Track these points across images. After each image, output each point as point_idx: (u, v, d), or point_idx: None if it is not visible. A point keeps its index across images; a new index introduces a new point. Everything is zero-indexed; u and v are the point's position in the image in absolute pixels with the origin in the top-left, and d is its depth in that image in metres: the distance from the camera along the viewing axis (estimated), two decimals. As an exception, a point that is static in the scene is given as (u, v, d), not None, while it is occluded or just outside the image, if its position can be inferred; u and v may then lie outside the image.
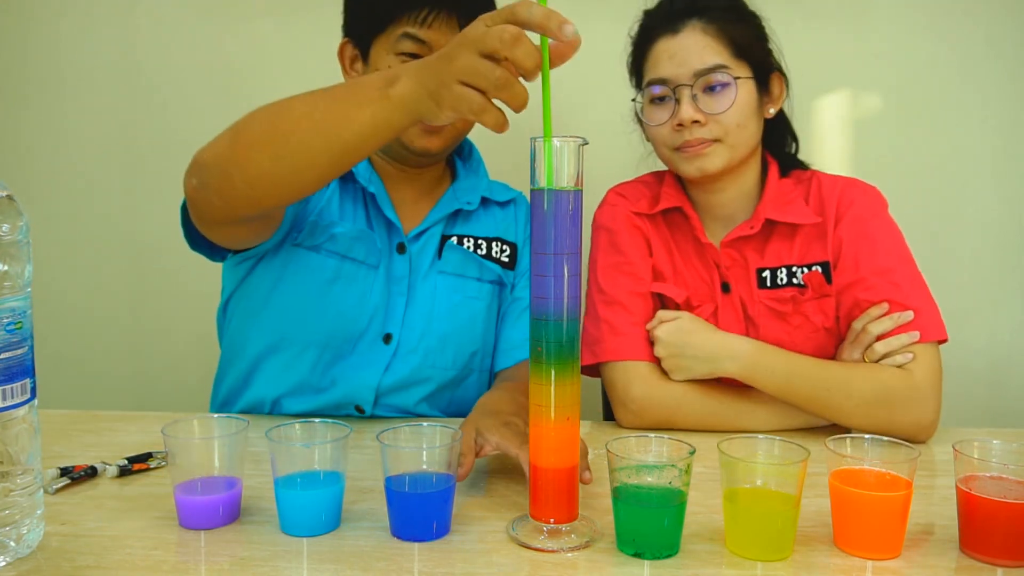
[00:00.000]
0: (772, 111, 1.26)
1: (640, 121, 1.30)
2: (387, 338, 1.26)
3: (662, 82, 1.21)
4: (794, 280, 1.25)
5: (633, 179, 1.39)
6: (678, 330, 1.20)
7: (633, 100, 1.29)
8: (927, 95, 1.75)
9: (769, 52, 1.26)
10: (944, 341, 1.19)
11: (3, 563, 0.78)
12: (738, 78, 1.19)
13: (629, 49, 1.29)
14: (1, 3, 1.82)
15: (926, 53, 1.74)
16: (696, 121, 1.19)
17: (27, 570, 0.78)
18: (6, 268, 0.77)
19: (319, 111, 0.90)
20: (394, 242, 1.28)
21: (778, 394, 1.17)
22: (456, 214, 1.33)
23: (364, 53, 1.23)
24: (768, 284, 1.25)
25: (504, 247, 1.35)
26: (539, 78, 0.80)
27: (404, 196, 1.32)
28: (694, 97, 1.19)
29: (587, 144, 0.82)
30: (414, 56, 1.17)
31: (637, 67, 1.27)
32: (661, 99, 1.22)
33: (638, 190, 1.35)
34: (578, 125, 1.76)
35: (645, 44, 1.25)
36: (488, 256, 1.33)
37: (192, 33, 1.80)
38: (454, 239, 1.31)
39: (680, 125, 1.20)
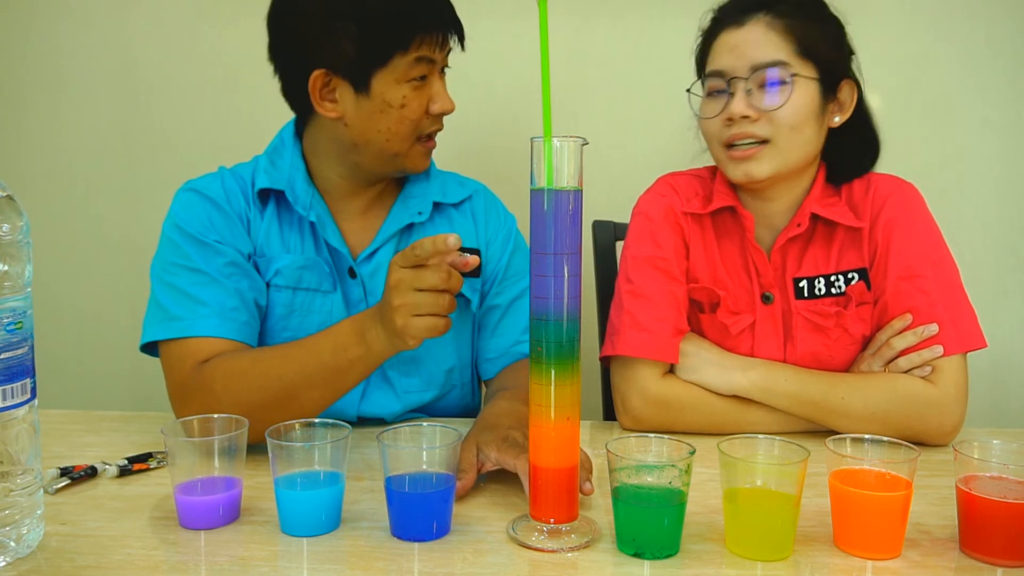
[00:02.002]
0: (838, 120, 1.19)
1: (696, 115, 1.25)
2: None
3: (719, 74, 1.17)
4: (832, 290, 1.22)
5: (686, 171, 1.33)
6: (700, 337, 1.23)
7: (687, 90, 1.23)
8: (927, 95, 1.75)
9: (843, 57, 1.19)
10: (979, 348, 1.15)
11: (3, 563, 0.78)
12: (797, 75, 1.13)
13: (698, 43, 1.25)
14: (0, 4, 1.83)
15: (926, 53, 1.74)
16: (747, 116, 1.14)
17: (27, 570, 0.78)
18: (6, 268, 0.77)
19: (318, 388, 1.05)
20: (344, 267, 1.23)
21: (791, 407, 1.15)
22: (409, 227, 1.27)
23: (361, 85, 1.14)
24: (806, 294, 1.22)
25: (465, 255, 1.30)
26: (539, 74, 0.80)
27: (351, 209, 1.26)
28: (748, 92, 1.15)
29: (587, 144, 0.82)
30: (421, 80, 1.15)
31: (701, 61, 1.23)
32: (717, 92, 1.18)
33: (691, 186, 1.29)
34: (578, 124, 1.76)
35: (711, 37, 1.21)
36: None
37: (190, 33, 1.80)
38: None
39: (730, 119, 1.16)
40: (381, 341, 1.02)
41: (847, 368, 1.23)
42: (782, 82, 1.14)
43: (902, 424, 1.12)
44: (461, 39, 1.20)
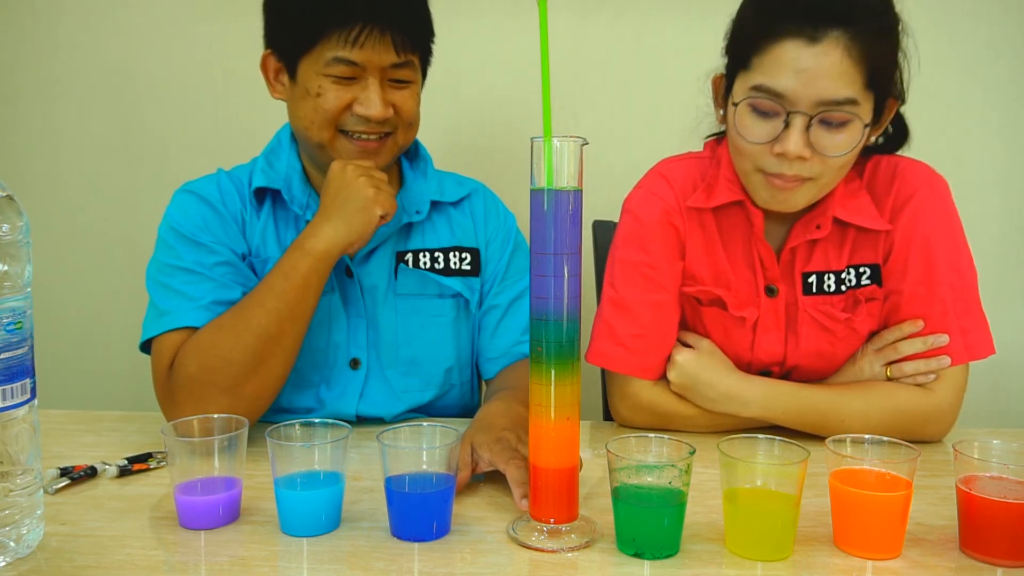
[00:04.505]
0: (874, 139, 1.11)
1: (722, 102, 1.14)
2: (354, 363, 1.23)
3: (776, 96, 1.01)
4: (843, 288, 1.17)
5: (684, 155, 1.23)
6: (696, 360, 1.16)
7: (735, 104, 1.07)
8: (927, 94, 1.74)
9: (898, 74, 1.07)
10: (987, 355, 1.15)
11: (3, 563, 0.78)
12: (861, 119, 1.02)
13: (734, 16, 1.09)
14: None
15: (927, 52, 1.73)
16: (801, 157, 1.02)
17: (27, 570, 0.78)
18: (6, 268, 0.77)
19: (287, 320, 1.09)
20: (340, 266, 1.22)
21: (789, 425, 1.14)
22: (407, 226, 1.27)
23: (291, 69, 1.17)
24: (814, 290, 1.16)
25: (464, 254, 1.29)
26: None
27: None
28: (808, 128, 1.01)
29: (587, 144, 0.82)
30: (347, 79, 1.13)
31: (745, 50, 1.05)
32: (765, 113, 1.03)
33: (690, 175, 1.19)
34: (578, 124, 1.76)
35: (767, 33, 1.02)
36: (446, 270, 1.27)
37: (189, 33, 1.80)
38: (408, 258, 1.25)
39: (781, 154, 1.03)
40: (324, 240, 1.10)
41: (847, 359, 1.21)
42: (846, 123, 1.01)
43: (899, 433, 1.09)
44: (414, 49, 1.17)
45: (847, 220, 1.14)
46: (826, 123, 1.02)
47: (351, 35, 1.11)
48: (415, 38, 1.17)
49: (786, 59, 1.00)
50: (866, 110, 1.03)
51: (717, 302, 1.20)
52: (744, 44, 1.06)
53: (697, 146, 1.27)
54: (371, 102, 1.14)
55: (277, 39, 1.18)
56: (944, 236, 1.15)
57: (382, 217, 1.14)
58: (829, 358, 1.20)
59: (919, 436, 1.13)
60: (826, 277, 1.16)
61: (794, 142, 1.01)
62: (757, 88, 1.03)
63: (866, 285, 1.17)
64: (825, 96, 1.00)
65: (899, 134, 1.17)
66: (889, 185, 1.16)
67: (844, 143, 1.02)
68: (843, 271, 1.17)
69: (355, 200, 1.12)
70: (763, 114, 1.04)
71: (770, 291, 1.19)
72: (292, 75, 1.17)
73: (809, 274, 1.17)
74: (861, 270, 1.17)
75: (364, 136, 1.17)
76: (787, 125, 1.02)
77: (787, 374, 1.22)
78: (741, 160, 1.11)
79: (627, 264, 1.19)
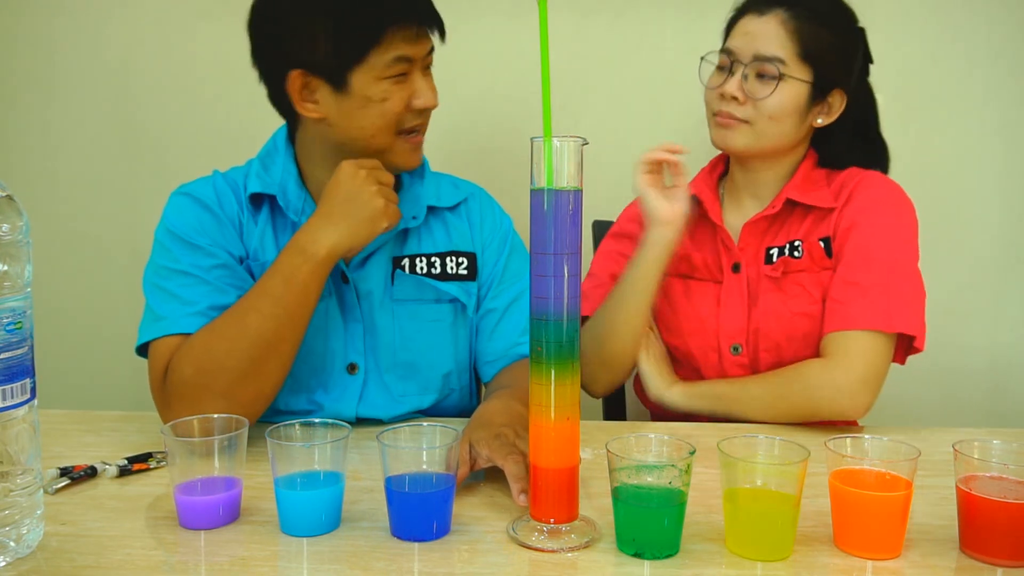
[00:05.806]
0: (821, 121, 1.31)
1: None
2: (352, 368, 1.23)
3: (728, 52, 1.30)
4: (796, 254, 1.30)
5: None
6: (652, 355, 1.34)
7: (702, 58, 1.34)
8: (927, 94, 1.75)
9: (844, 67, 1.29)
10: (914, 337, 1.20)
11: (3, 563, 0.78)
12: (789, 77, 1.25)
13: (730, 15, 1.36)
14: None
15: (927, 51, 1.74)
16: (735, 98, 1.27)
17: (27, 570, 0.78)
18: (6, 268, 0.77)
19: (285, 326, 1.08)
20: (337, 271, 1.21)
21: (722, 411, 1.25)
22: (403, 232, 1.26)
23: (338, 82, 1.13)
24: (774, 260, 1.31)
25: (460, 259, 1.28)
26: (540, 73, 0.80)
27: None
28: (745, 77, 1.27)
29: (587, 144, 0.82)
30: (401, 76, 1.14)
31: (725, 35, 1.35)
32: (723, 68, 1.31)
33: None
34: (578, 124, 1.76)
35: (738, 16, 1.32)
36: (443, 275, 1.27)
37: (189, 32, 1.80)
38: (405, 263, 1.25)
39: (722, 95, 1.28)
40: (325, 244, 1.08)
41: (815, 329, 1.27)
42: (772, 77, 1.25)
43: (810, 409, 1.20)
44: (441, 34, 1.19)
45: (798, 200, 1.31)
46: (760, 76, 1.27)
47: (410, 32, 1.12)
48: (438, 20, 1.18)
49: (741, 26, 1.31)
50: (797, 74, 1.26)
51: (684, 275, 1.37)
52: (727, 26, 1.35)
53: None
54: (427, 92, 1.17)
55: (311, 57, 1.12)
56: (892, 222, 1.26)
57: (384, 227, 1.13)
58: (787, 321, 1.28)
59: (831, 411, 1.19)
60: (785, 248, 1.31)
61: (731, 83, 1.28)
62: (721, 50, 1.32)
63: (819, 247, 1.29)
64: (759, 51, 1.26)
65: (879, 154, 1.38)
66: (851, 182, 1.31)
67: (767, 91, 1.26)
68: (796, 241, 1.31)
69: (364, 209, 1.10)
70: (720, 69, 1.32)
71: (735, 267, 1.34)
72: (341, 88, 1.13)
73: (772, 247, 1.33)
74: (819, 244, 1.30)
75: (417, 130, 1.19)
76: (731, 74, 1.29)
77: (755, 347, 1.31)
78: (707, 109, 1.35)
79: (600, 251, 1.48)
